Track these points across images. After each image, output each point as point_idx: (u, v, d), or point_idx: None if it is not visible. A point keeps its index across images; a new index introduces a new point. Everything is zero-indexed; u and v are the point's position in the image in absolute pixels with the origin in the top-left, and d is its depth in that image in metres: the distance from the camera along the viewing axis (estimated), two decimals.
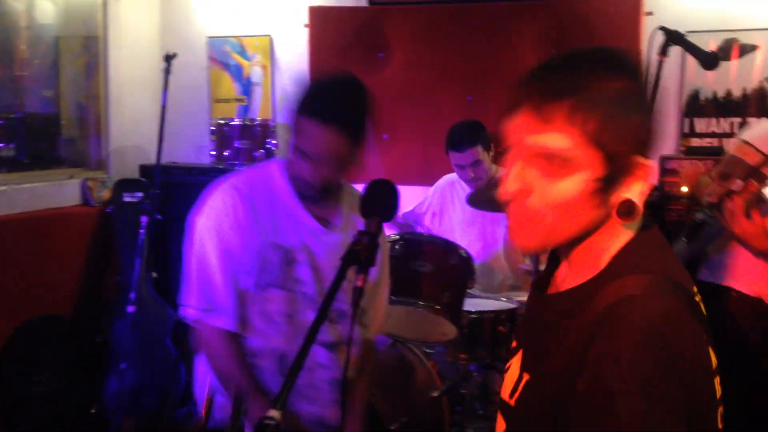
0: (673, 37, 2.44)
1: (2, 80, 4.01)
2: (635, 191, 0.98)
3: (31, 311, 3.44)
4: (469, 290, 3.03)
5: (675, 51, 2.71)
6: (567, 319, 1.00)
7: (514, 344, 1.16)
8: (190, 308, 1.90)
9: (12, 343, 3.29)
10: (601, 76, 0.96)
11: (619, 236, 1.02)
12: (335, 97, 1.83)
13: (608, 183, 0.97)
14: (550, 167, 0.97)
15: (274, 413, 1.18)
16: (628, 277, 0.97)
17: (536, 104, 0.96)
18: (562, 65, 0.99)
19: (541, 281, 1.16)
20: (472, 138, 3.38)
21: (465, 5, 3.92)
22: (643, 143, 0.98)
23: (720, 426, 0.98)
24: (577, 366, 0.94)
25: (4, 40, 3.93)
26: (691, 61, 3.40)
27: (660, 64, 2.42)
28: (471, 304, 3.09)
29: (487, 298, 3.33)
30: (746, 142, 2.62)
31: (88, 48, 4.20)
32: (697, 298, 1.01)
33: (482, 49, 3.92)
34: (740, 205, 2.23)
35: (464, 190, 3.49)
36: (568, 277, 1.07)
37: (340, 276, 1.41)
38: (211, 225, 1.87)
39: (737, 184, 2.46)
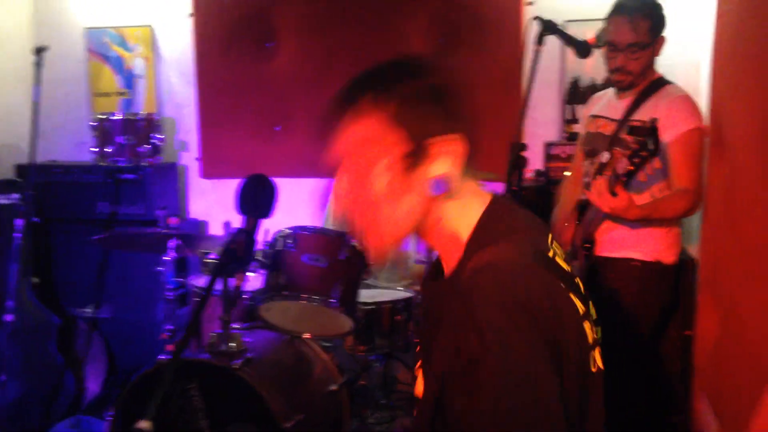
0: (548, 27, 2.50)
1: None
2: (445, 166, 1.06)
3: None
4: (366, 281, 3.03)
5: (556, 40, 2.79)
6: (446, 304, 1.06)
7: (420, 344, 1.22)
8: None
9: None
10: (396, 75, 1.09)
11: (467, 213, 1.10)
12: None
13: (415, 159, 1.05)
14: (365, 156, 1.06)
15: (144, 424, 1.13)
16: (481, 251, 1.04)
17: (345, 106, 1.09)
18: (361, 75, 1.13)
19: (432, 272, 1.21)
20: None
21: None
22: (446, 126, 1.07)
23: (596, 367, 1.06)
24: (449, 345, 1.00)
25: None
26: (572, 51, 3.52)
27: (537, 53, 2.48)
28: (368, 295, 3.09)
29: (388, 287, 3.35)
30: (596, 116, 2.73)
31: None
32: (551, 254, 1.08)
33: (373, 37, 3.90)
34: (604, 184, 2.31)
35: None
36: (445, 263, 1.14)
37: (216, 276, 1.36)
38: None
39: (605, 156, 2.55)
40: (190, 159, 4.24)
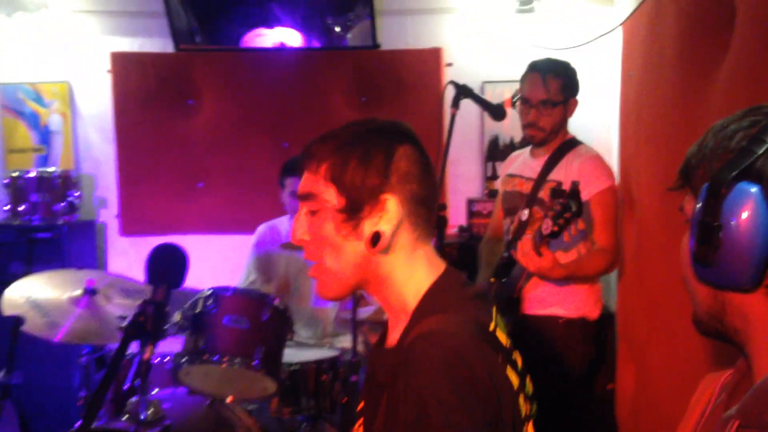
0: (462, 91, 2.57)
1: None
2: (383, 224, 1.13)
3: None
4: (290, 340, 2.97)
5: None
6: (389, 371, 1.06)
7: (361, 405, 1.20)
8: None
9: None
10: (361, 139, 1.17)
11: (415, 279, 1.14)
12: None
13: (350, 213, 1.13)
14: (313, 206, 1.16)
15: None
16: (426, 319, 1.06)
17: (308, 162, 1.19)
18: (335, 133, 1.19)
19: (380, 337, 1.23)
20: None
21: (274, 54, 3.92)
22: (378, 187, 1.14)
23: None
24: (389, 410, 1.00)
25: None
26: None
27: (453, 116, 2.55)
28: (293, 355, 3.03)
29: (313, 346, 3.30)
30: (512, 175, 2.81)
31: None
32: (492, 327, 1.10)
33: (294, 96, 3.93)
34: (529, 244, 2.37)
35: (286, 233, 3.47)
36: (393, 329, 1.16)
37: (122, 350, 1.32)
38: None
39: (524, 214, 2.62)
40: (109, 216, 4.13)
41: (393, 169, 1.13)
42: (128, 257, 4.14)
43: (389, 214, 1.12)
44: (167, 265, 1.46)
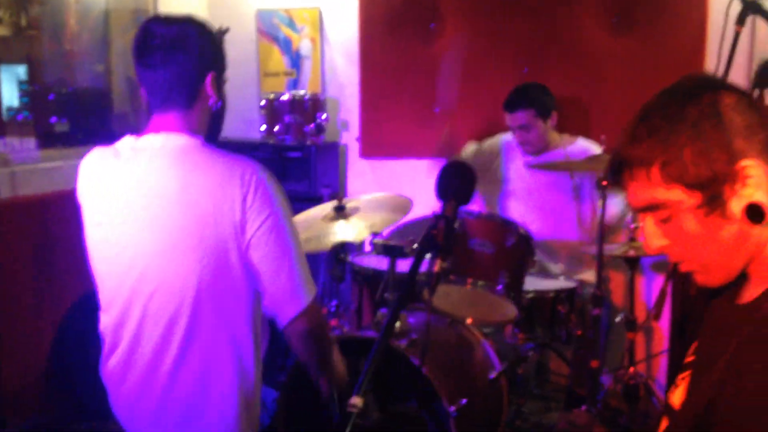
0: (751, 7, 2.30)
1: (53, 55, 4.03)
2: (755, 193, 0.98)
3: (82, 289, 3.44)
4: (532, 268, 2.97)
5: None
6: (736, 329, 0.99)
7: (691, 358, 1.13)
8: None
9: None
10: (677, 118, 1.01)
11: None
12: None
13: (711, 205, 1.00)
14: (663, 214, 1.04)
15: (356, 400, 1.16)
16: None
17: (633, 172, 1.05)
18: (645, 126, 1.04)
19: (730, 290, 1.13)
20: (523, 100, 3.34)
21: None
22: (733, 157, 0.99)
23: None
24: (729, 375, 0.94)
25: (54, 15, 3.93)
26: (762, 30, 3.24)
27: (736, 35, 2.30)
28: (530, 283, 3.02)
29: (551, 276, 3.26)
30: None
31: (137, 22, 4.18)
32: None
33: (539, 19, 3.77)
34: None
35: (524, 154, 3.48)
36: (750, 288, 1.06)
37: (417, 263, 1.37)
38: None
39: None
40: (350, 138, 4.32)
41: (731, 131, 0.99)
42: (366, 179, 4.33)
43: (755, 179, 0.99)
44: (457, 182, 1.48)
